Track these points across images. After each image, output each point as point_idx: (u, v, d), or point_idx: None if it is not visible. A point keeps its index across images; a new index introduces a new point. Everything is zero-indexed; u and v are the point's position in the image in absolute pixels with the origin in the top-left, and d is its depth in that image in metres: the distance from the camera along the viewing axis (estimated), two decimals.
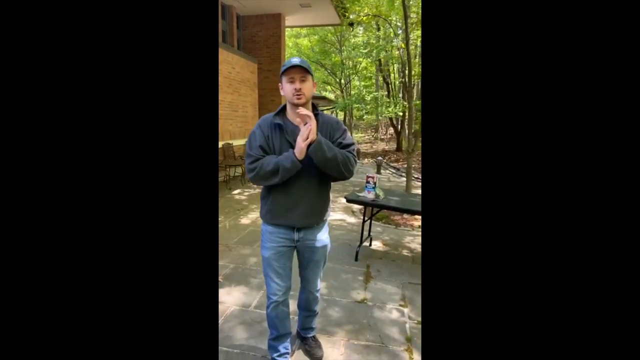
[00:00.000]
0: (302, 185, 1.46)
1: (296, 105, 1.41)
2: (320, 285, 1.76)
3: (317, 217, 1.54)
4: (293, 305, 1.81)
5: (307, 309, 1.81)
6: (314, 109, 1.50)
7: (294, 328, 1.93)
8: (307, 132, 1.34)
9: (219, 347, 1.87)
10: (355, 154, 1.50)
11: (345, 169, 1.43)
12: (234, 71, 6.90)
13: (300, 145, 1.34)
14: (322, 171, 1.44)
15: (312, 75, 1.44)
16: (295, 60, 1.39)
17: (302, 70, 1.39)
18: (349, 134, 1.52)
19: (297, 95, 1.39)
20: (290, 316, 1.73)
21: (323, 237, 1.61)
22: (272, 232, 1.54)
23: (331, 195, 1.62)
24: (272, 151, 1.44)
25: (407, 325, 2.13)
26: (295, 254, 1.65)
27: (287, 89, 1.42)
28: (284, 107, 1.51)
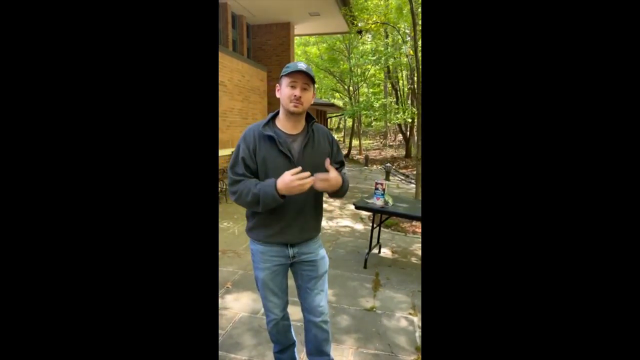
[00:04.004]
0: (296, 207, 1.37)
1: (291, 114, 1.32)
2: (328, 314, 1.53)
3: (313, 231, 1.46)
4: (297, 313, 1.71)
5: (318, 353, 1.55)
6: (309, 118, 1.42)
7: (300, 335, 1.92)
8: (326, 184, 1.29)
9: (228, 355, 1.87)
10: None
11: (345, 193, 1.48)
12: (244, 79, 6.99)
13: (287, 182, 1.21)
14: (320, 192, 1.39)
15: (314, 85, 1.35)
16: (302, 66, 1.28)
17: (307, 78, 1.29)
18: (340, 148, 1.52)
19: (295, 103, 1.29)
20: (298, 323, 1.71)
21: (321, 249, 1.50)
22: (263, 251, 1.43)
23: (339, 202, 1.61)
24: (262, 164, 1.33)
25: (417, 334, 2.10)
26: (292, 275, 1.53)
27: (285, 93, 1.30)
28: (275, 116, 1.40)
